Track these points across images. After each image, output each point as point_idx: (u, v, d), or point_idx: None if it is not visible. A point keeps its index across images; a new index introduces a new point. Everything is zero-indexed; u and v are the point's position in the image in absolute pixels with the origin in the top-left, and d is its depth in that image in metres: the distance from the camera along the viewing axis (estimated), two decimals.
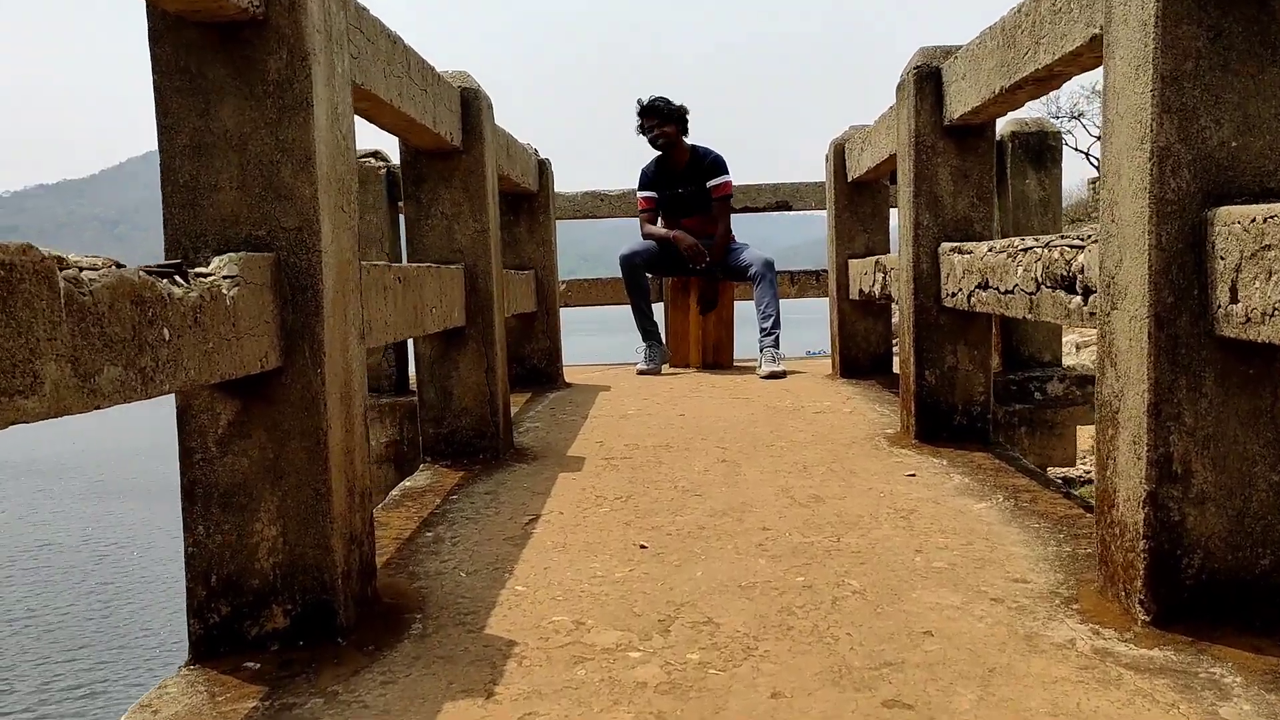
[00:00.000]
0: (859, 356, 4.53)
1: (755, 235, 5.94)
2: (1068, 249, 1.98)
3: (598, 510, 2.32)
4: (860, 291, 4.23)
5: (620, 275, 5.19)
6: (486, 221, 2.91)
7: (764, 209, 6.31)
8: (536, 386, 4.52)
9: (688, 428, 3.38)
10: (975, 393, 2.92)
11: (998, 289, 2.40)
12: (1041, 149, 4.41)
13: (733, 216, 5.42)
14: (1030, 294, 2.17)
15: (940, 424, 2.93)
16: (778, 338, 4.87)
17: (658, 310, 5.67)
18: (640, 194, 5.29)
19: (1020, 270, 2.23)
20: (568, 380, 4.78)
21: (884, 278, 3.77)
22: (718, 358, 5.47)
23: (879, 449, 2.93)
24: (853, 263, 4.43)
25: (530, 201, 4.48)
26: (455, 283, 2.80)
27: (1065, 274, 1.98)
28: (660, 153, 5.17)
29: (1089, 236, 1.89)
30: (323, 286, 1.47)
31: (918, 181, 2.90)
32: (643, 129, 5.16)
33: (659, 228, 5.24)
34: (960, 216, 2.90)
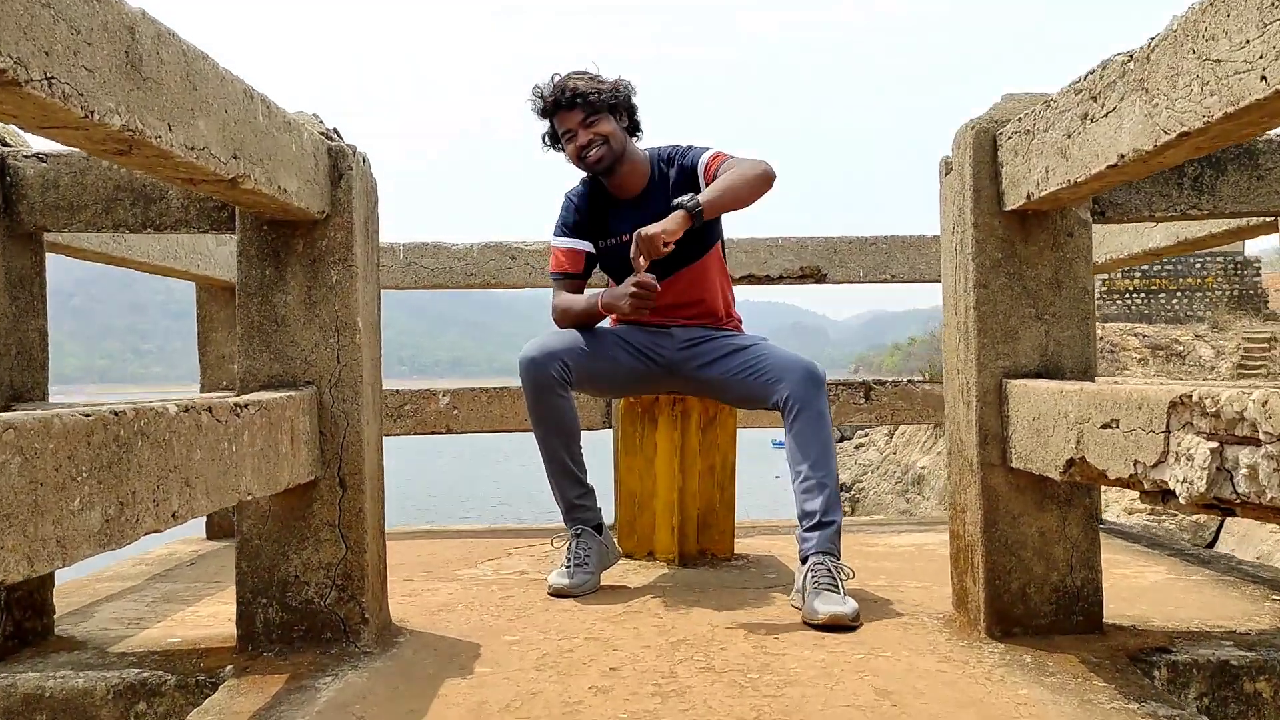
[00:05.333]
0: (1027, 588, 2.06)
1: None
2: None
3: None
4: (1066, 464, 1.76)
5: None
6: None
7: (780, 280, 3.90)
8: (312, 652, 1.99)
9: None
10: None
11: None
12: None
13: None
14: None
15: None
16: (838, 528, 2.39)
17: (597, 448, 3.23)
18: (557, 242, 2.76)
19: None
20: (398, 618, 2.26)
21: (1224, 459, 1.31)
22: (705, 542, 3.01)
23: None
24: (1021, 387, 1.98)
25: (308, 238, 2.03)
26: None
27: None
28: (593, 173, 2.72)
29: None
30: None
31: None
32: (555, 140, 2.67)
33: (587, 300, 2.76)
34: None
